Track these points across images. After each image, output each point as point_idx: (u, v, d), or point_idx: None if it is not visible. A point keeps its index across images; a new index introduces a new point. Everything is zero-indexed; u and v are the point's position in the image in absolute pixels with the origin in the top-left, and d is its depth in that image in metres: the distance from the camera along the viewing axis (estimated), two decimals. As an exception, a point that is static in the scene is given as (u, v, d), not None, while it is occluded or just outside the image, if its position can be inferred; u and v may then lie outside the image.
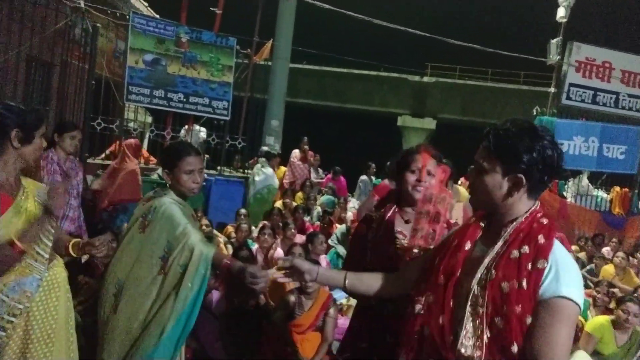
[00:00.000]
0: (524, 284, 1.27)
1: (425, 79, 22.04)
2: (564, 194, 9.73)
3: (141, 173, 6.57)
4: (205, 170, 7.82)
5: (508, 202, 1.38)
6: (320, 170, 10.02)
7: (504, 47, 11.82)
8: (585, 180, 9.77)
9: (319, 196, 8.36)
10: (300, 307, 3.51)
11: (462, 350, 1.31)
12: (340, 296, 4.37)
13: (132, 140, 6.55)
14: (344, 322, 4.02)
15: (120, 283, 2.18)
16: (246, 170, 8.39)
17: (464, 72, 21.57)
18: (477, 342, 1.30)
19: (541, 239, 1.32)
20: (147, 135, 9.60)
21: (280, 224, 5.59)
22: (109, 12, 7.61)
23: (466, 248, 1.43)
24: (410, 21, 11.42)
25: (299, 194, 8.07)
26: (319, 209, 7.52)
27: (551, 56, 10.26)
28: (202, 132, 8.56)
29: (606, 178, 10.01)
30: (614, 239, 7.48)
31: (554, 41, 10.23)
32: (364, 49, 19.07)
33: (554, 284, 1.27)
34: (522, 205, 1.39)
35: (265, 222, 5.84)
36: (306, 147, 8.78)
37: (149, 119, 9.34)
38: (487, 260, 1.35)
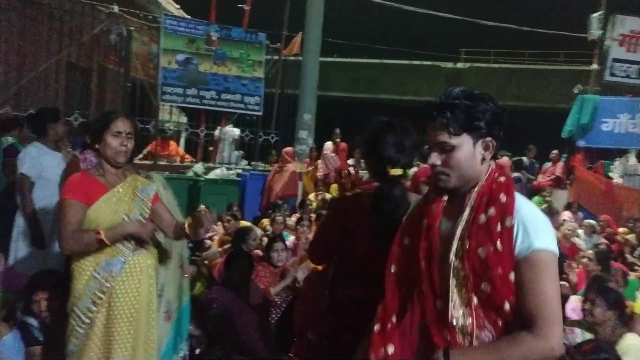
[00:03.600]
0: (499, 245, 1.30)
1: (459, 65, 21.48)
2: (610, 174, 9.30)
3: (176, 171, 6.74)
4: (240, 166, 7.94)
5: (481, 168, 1.39)
6: (363, 163, 9.93)
7: (541, 25, 11.39)
8: (632, 160, 9.30)
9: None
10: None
11: (454, 322, 1.33)
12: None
13: (289, 149, 7.51)
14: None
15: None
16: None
17: (499, 55, 20.87)
18: (467, 310, 1.33)
19: (503, 198, 1.34)
20: (182, 135, 9.83)
21: (314, 215, 5.60)
22: (141, 15, 7.81)
23: (437, 226, 1.42)
24: (441, 6, 11.17)
25: (334, 186, 8.05)
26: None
27: (592, 31, 9.82)
28: (235, 130, 8.68)
29: (656, 156, 9.50)
30: (666, 220, 7.09)
31: (595, 15, 9.77)
32: (395, 38, 18.77)
33: (526, 240, 1.30)
34: (484, 169, 1.40)
35: (301, 214, 5.87)
36: (338, 139, 8.75)
37: (184, 119, 9.55)
38: (459, 231, 1.35)
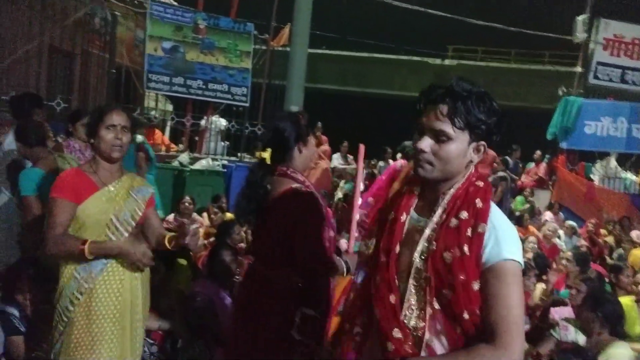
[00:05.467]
0: (466, 249, 1.26)
1: (447, 61, 21.56)
2: (591, 176, 9.47)
3: (162, 160, 6.65)
4: (226, 157, 7.86)
5: (464, 169, 1.34)
6: (350, 157, 9.92)
7: (528, 26, 11.48)
8: (613, 162, 9.49)
9: (342, 182, 8.35)
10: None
11: (405, 322, 1.30)
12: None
13: (325, 147, 7.57)
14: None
15: None
16: (266, 157, 8.40)
17: (486, 53, 21.01)
18: (421, 314, 1.29)
19: (479, 203, 1.30)
20: (168, 124, 9.69)
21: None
22: (127, 0, 7.64)
23: (402, 220, 1.36)
24: (431, 2, 11.17)
25: (319, 179, 8.04)
26: (340, 194, 7.50)
27: (577, 34, 9.92)
28: (222, 120, 8.59)
29: (635, 159, 9.70)
30: (644, 222, 7.26)
31: (580, 18, 9.88)
32: (384, 32, 18.74)
33: (495, 249, 1.26)
34: (466, 170, 1.36)
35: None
36: (319, 133, 8.73)
37: (170, 107, 9.40)
38: (427, 232, 1.31)
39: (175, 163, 6.79)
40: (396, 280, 1.32)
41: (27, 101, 3.77)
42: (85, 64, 7.40)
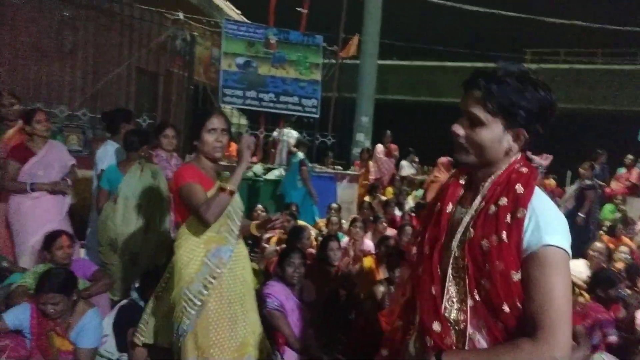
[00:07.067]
0: (504, 236, 1.18)
1: (525, 66, 20.64)
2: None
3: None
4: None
5: (506, 157, 1.27)
6: (416, 165, 9.81)
7: (616, 22, 10.68)
8: None
9: (412, 190, 8.22)
10: (390, 297, 3.45)
11: (447, 315, 1.25)
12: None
13: (443, 159, 7.83)
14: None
15: None
16: (336, 167, 8.48)
17: (569, 55, 19.80)
18: (462, 306, 1.23)
19: (519, 189, 1.22)
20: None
21: (371, 218, 5.57)
22: (204, 21, 8.12)
23: (448, 210, 1.32)
24: (505, 4, 10.76)
25: (389, 189, 7.97)
26: (411, 202, 7.38)
27: (674, 27, 9.08)
28: (294, 132, 8.80)
29: None
30: None
31: (676, 10, 9.04)
32: (456, 38, 18.27)
33: (535, 235, 1.16)
34: (506, 158, 1.28)
35: (356, 215, 5.87)
36: (389, 141, 8.67)
37: (244, 121, 9.80)
38: (466, 220, 1.26)
39: (250, 173, 7.03)
40: (439, 271, 1.28)
41: (119, 116, 4.15)
42: (168, 82, 7.96)
